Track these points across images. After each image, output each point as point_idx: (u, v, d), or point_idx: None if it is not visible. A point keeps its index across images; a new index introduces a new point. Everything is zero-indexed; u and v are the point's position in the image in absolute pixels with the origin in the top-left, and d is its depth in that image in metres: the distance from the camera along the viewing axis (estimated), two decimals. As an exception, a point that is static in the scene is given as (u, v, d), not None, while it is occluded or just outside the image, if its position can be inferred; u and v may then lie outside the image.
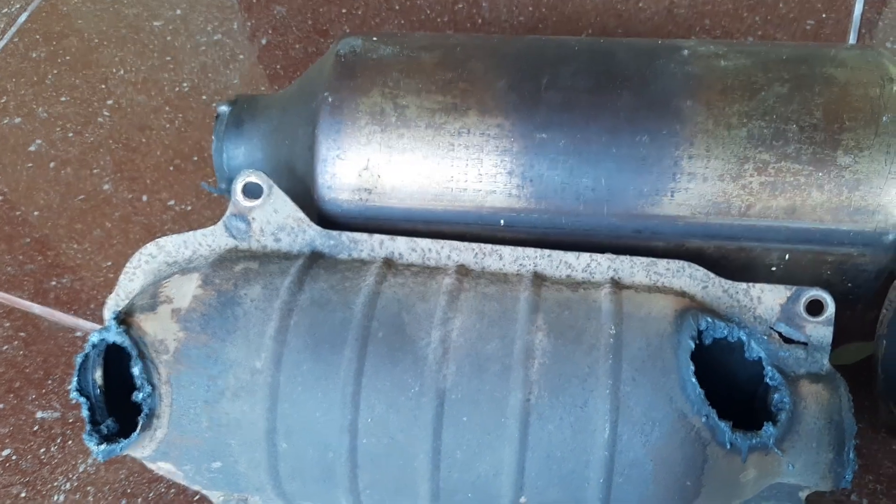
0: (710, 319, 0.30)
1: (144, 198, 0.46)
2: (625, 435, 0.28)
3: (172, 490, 0.38)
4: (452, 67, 0.34)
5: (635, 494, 0.28)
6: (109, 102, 0.51)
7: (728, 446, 0.29)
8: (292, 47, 0.51)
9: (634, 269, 0.32)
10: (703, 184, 0.32)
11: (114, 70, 0.52)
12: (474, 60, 0.35)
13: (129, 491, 0.38)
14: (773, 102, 0.32)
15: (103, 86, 0.51)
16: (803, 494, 0.32)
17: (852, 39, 0.49)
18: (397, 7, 0.52)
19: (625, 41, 0.36)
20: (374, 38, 0.36)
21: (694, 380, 0.28)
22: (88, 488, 0.39)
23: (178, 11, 0.54)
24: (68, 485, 0.39)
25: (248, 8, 0.53)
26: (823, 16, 0.50)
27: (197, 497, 0.38)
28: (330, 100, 0.34)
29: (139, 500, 0.38)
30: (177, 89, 0.50)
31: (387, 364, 0.29)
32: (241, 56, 0.51)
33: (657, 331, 0.29)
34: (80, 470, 0.39)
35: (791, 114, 0.32)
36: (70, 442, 0.40)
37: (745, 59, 0.34)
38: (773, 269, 0.34)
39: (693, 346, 0.29)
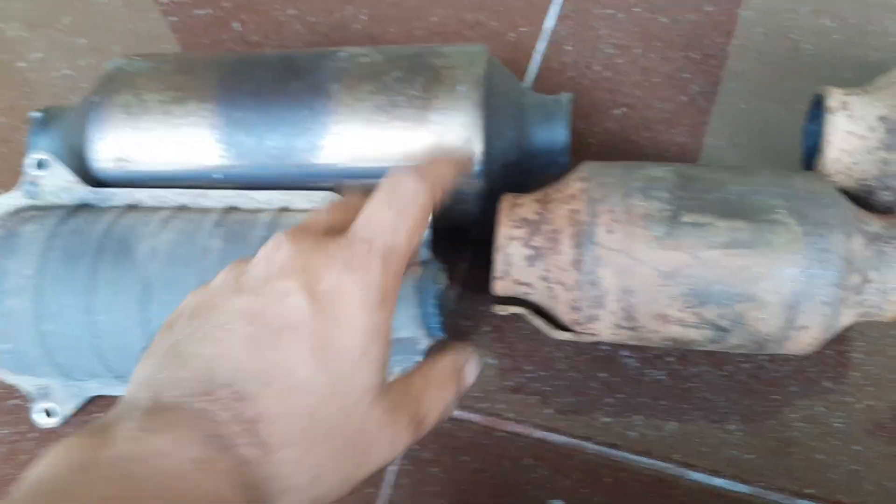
0: (342, 227, 0.45)
1: None
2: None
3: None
4: (183, 73, 0.50)
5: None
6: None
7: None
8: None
9: (299, 199, 0.47)
10: (344, 140, 0.47)
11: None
12: (199, 68, 0.50)
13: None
14: (391, 82, 0.48)
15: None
16: (421, 346, 0.46)
17: (541, 47, 0.65)
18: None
19: (307, 50, 0.51)
20: (135, 57, 0.52)
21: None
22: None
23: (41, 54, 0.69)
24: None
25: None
26: (522, 28, 0.66)
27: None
28: (95, 100, 0.49)
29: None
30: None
31: (113, 265, 0.44)
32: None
33: (294, 232, 0.44)
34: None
35: (402, 89, 0.47)
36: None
37: (380, 56, 0.49)
38: (408, 198, 0.49)
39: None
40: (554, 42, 0.65)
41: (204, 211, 0.46)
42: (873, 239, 0.43)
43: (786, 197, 0.42)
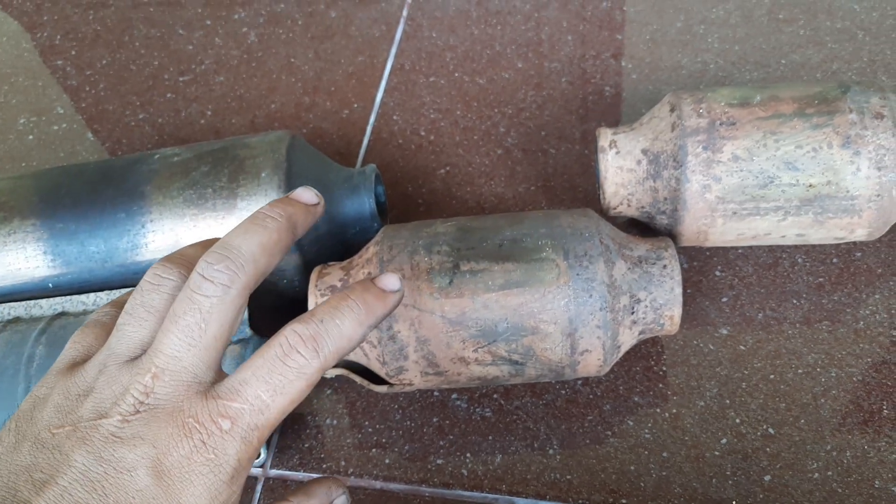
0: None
1: None
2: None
3: None
4: (7, 193, 0.53)
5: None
6: None
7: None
8: None
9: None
10: (163, 235, 0.51)
11: None
12: (22, 187, 0.53)
13: None
14: (199, 177, 0.52)
15: None
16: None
17: (372, 120, 0.69)
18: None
19: (124, 157, 0.55)
20: (-34, 184, 0.55)
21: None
22: None
23: None
24: None
25: None
26: (355, 105, 0.71)
27: None
28: (-73, 229, 0.52)
29: None
30: None
31: (-55, 383, 0.46)
32: None
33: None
34: None
35: (209, 182, 0.51)
36: None
37: (190, 153, 0.53)
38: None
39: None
40: (383, 114, 0.70)
41: (34, 320, 0.50)
42: (638, 262, 0.47)
43: (552, 236, 0.47)
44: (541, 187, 0.62)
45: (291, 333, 0.31)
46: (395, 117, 0.69)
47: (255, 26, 0.79)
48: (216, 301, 0.31)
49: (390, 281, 0.35)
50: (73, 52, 0.81)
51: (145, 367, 0.31)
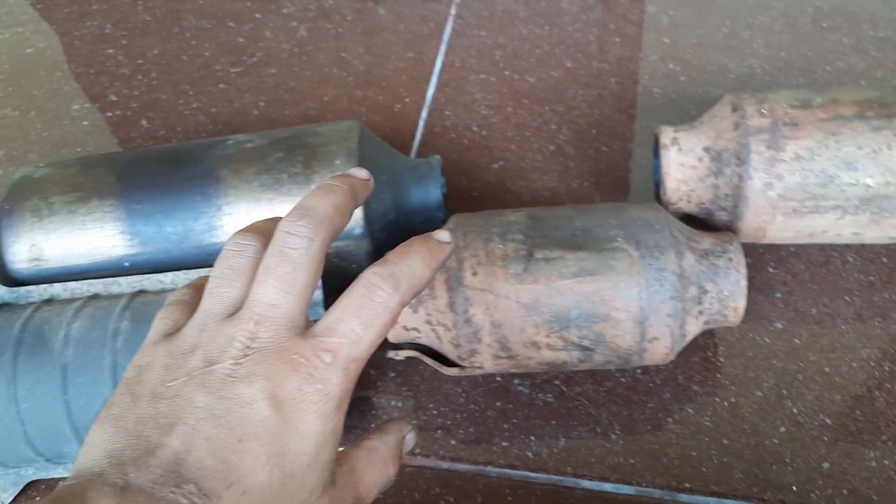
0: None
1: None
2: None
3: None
4: (83, 174, 0.54)
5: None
6: None
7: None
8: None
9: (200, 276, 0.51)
10: (238, 218, 0.52)
11: None
12: (98, 168, 0.55)
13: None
14: (273, 162, 0.53)
15: None
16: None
17: (424, 115, 0.71)
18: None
19: (197, 141, 0.56)
20: (40, 165, 0.56)
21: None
22: None
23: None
24: None
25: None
26: (406, 100, 0.72)
27: None
28: (5, 207, 0.54)
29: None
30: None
31: (31, 355, 0.47)
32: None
33: (195, 307, 0.48)
34: None
35: (284, 168, 0.53)
36: None
37: (263, 140, 0.55)
38: (302, 264, 0.53)
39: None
40: (435, 109, 0.71)
41: (114, 297, 0.51)
42: (705, 254, 0.49)
43: (623, 227, 0.48)
44: (593, 183, 0.64)
45: (372, 275, 0.34)
46: (446, 112, 0.71)
47: (304, 20, 0.81)
48: (303, 251, 0.34)
49: (443, 235, 0.39)
50: (124, 42, 0.82)
51: (246, 316, 0.33)
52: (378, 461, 0.37)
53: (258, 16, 0.82)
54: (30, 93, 0.78)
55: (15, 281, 0.54)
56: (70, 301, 0.51)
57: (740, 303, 0.49)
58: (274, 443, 0.31)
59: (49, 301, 0.52)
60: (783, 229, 0.53)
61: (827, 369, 0.52)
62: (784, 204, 0.51)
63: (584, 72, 0.71)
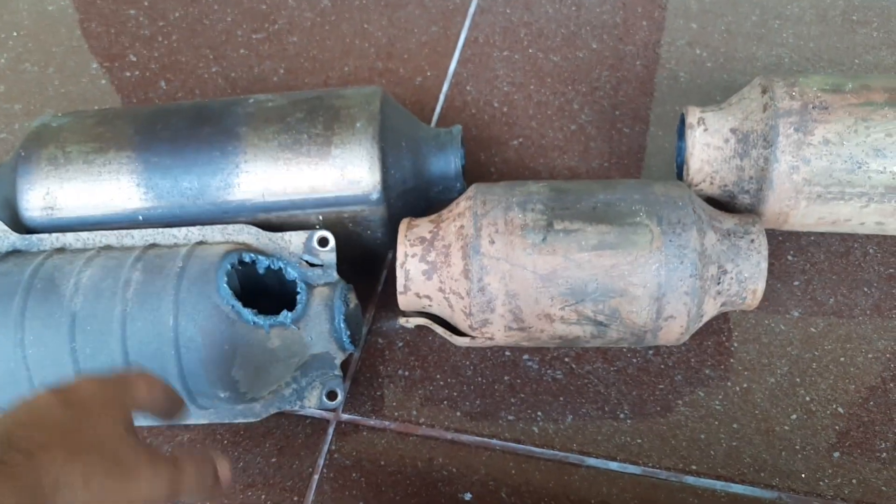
0: (254, 255, 0.49)
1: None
2: (182, 322, 0.46)
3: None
4: (102, 125, 0.54)
5: (196, 359, 0.46)
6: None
7: (252, 323, 0.47)
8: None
9: (214, 232, 0.51)
10: (255, 177, 0.52)
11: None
12: (117, 120, 0.54)
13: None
14: (294, 122, 0.52)
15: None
16: (336, 360, 0.50)
17: (445, 89, 0.70)
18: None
19: (219, 99, 0.56)
20: (59, 114, 0.56)
21: (225, 285, 0.47)
22: None
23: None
24: None
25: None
26: (428, 73, 0.71)
27: None
28: (22, 154, 0.53)
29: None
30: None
31: (41, 301, 0.47)
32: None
33: (208, 261, 0.48)
34: None
35: (304, 128, 0.52)
36: None
37: (284, 100, 0.54)
38: (317, 226, 0.53)
39: (229, 267, 0.48)
40: (456, 83, 0.70)
41: (127, 249, 0.50)
42: (727, 234, 0.48)
43: (646, 202, 0.47)
44: (614, 164, 0.63)
45: None
46: (468, 87, 0.70)
47: (328, -10, 0.80)
48: None
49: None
50: (146, 3, 0.81)
51: None
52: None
53: (282, -17, 0.81)
54: (49, 49, 0.78)
55: (27, 229, 0.53)
56: (82, 251, 0.51)
57: (759, 285, 0.48)
58: None
59: (61, 250, 0.51)
60: (806, 215, 0.52)
61: (842, 359, 0.52)
62: (809, 189, 0.50)
63: (609, 53, 0.71)
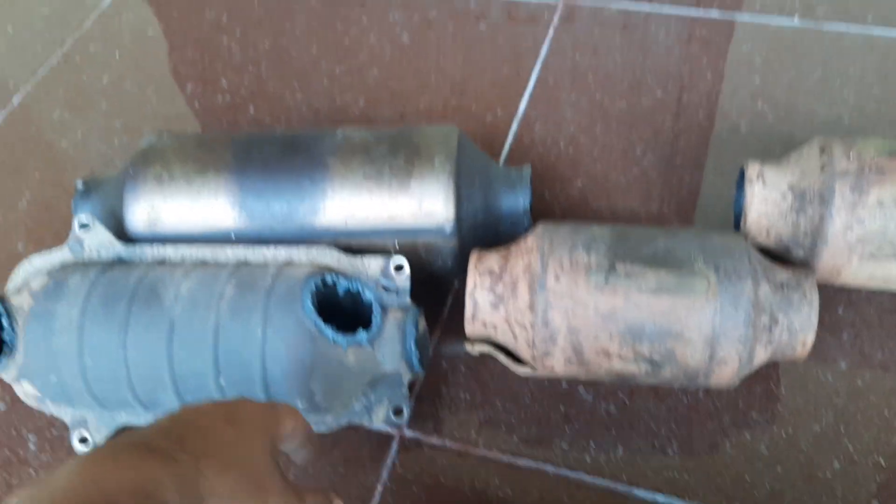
0: (335, 277, 0.54)
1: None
2: (269, 334, 0.50)
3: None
4: (203, 148, 0.59)
5: (279, 369, 0.50)
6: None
7: (332, 340, 0.51)
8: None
9: (300, 253, 0.55)
10: (340, 204, 0.56)
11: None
12: (216, 144, 0.59)
13: (14, 427, 0.59)
14: (377, 155, 0.57)
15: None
16: (404, 379, 0.54)
17: (514, 127, 0.74)
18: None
19: (309, 129, 0.61)
20: (164, 135, 0.61)
21: (309, 303, 0.51)
22: (-11, 428, 0.60)
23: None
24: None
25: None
26: (499, 112, 0.76)
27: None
28: (131, 171, 0.59)
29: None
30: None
31: (144, 308, 0.52)
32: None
33: (295, 280, 0.52)
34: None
35: (387, 161, 0.56)
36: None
37: (369, 135, 0.59)
38: (393, 252, 0.57)
39: (314, 287, 0.52)
40: (525, 123, 0.74)
41: (221, 265, 0.55)
42: (780, 286, 0.51)
43: (704, 251, 0.51)
44: (673, 210, 0.66)
45: None
46: (536, 127, 0.74)
47: (408, 28, 0.85)
48: None
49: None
50: (238, 33, 0.87)
51: None
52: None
53: (365, 20, 0.86)
54: (148, 71, 0.84)
55: (131, 240, 0.58)
56: (179, 263, 0.56)
57: (809, 336, 0.50)
58: None
59: (161, 262, 0.56)
60: (858, 272, 0.54)
61: (886, 413, 0.54)
62: (862, 247, 0.53)
63: (672, 102, 0.74)
